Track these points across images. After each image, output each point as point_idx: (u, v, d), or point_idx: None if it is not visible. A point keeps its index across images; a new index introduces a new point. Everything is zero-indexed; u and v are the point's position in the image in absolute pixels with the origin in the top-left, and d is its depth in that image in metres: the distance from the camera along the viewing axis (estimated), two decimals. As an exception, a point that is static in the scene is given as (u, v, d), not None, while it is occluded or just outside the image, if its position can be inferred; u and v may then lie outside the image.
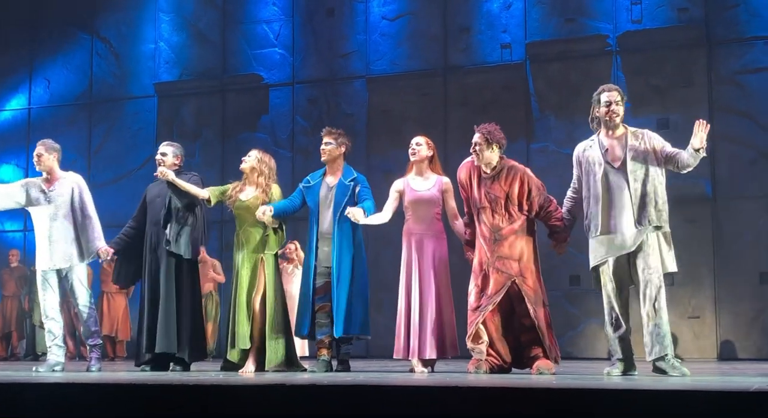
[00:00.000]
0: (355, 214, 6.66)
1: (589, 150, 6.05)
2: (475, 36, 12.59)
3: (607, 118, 5.95)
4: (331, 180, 7.08)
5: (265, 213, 6.88)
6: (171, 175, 7.18)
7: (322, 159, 7.13)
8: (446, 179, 6.96)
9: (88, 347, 7.49)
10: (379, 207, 7.06)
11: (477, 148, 6.34)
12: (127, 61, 14.45)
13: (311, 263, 7.00)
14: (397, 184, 7.00)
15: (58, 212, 7.36)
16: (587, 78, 11.88)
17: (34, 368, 7.49)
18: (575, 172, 6.16)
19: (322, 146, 7.11)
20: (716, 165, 11.18)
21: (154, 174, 7.24)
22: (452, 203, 6.93)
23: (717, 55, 11.45)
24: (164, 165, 7.38)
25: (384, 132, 12.57)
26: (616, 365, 5.89)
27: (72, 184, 7.44)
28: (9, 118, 15.06)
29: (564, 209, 6.32)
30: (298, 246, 10.62)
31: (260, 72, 13.61)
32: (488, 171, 6.37)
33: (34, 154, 7.51)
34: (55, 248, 7.32)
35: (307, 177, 7.24)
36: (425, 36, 12.83)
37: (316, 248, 7.00)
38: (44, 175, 7.50)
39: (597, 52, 11.92)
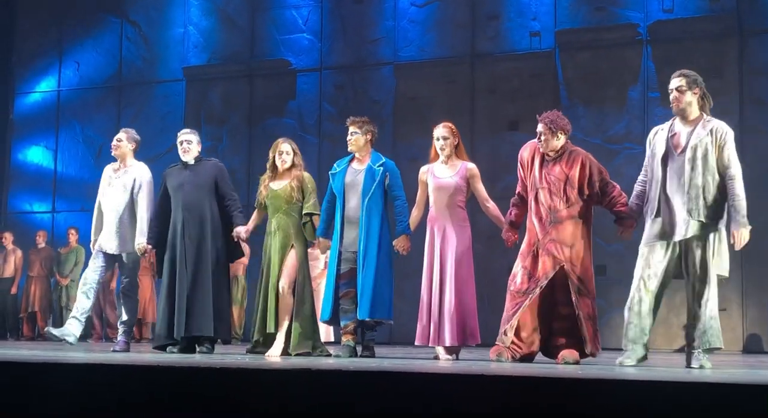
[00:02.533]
0: (403, 248, 6.91)
1: (659, 133, 5.97)
2: (504, 23, 12.54)
3: (672, 106, 5.89)
4: (359, 165, 7.09)
5: (326, 252, 7.10)
6: (247, 228, 7.38)
7: (350, 149, 7.12)
8: (471, 165, 6.93)
9: (119, 330, 7.61)
10: (405, 193, 7.08)
11: (542, 138, 6.26)
12: (156, 44, 14.51)
13: (336, 248, 7.03)
14: (422, 174, 7.00)
15: (118, 199, 7.63)
16: (617, 67, 11.83)
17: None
18: (646, 154, 6.08)
19: (348, 136, 7.11)
20: (745, 156, 11.06)
21: (235, 236, 7.41)
22: (481, 188, 6.90)
23: (748, 45, 11.35)
24: (190, 153, 7.52)
25: (411, 119, 12.55)
26: (628, 354, 5.87)
27: (135, 174, 7.68)
28: (39, 100, 15.17)
29: (633, 194, 6.19)
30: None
31: (288, 57, 13.62)
32: (551, 154, 6.32)
33: (115, 138, 7.86)
34: (110, 233, 7.59)
35: (334, 164, 7.26)
36: (454, 23, 12.79)
37: (341, 232, 7.02)
38: (118, 161, 7.79)
39: (627, 41, 11.84)
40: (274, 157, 7.27)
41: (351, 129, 7.11)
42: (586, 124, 11.81)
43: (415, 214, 7.05)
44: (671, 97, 5.88)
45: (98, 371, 4.68)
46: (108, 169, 7.83)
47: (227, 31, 14.13)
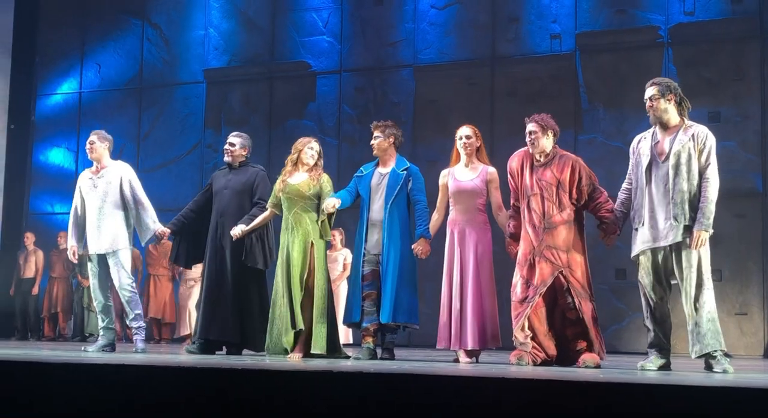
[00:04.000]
0: (422, 252, 6.89)
1: (642, 141, 6.02)
2: (525, 26, 12.50)
3: (649, 115, 5.95)
4: (384, 170, 7.16)
5: (335, 206, 6.98)
6: (244, 229, 7.30)
7: (374, 153, 7.21)
8: (492, 169, 6.93)
9: (132, 330, 7.64)
10: (427, 196, 7.10)
11: (533, 136, 6.32)
12: (177, 47, 14.56)
13: (360, 251, 7.04)
14: (443, 177, 7.01)
15: (105, 199, 7.57)
16: (637, 70, 11.76)
17: (83, 348, 7.66)
18: (631, 163, 6.13)
19: (372, 141, 7.20)
20: (767, 159, 11.03)
21: (233, 234, 7.30)
22: (497, 194, 6.90)
23: (771, 48, 11.28)
24: (232, 155, 7.58)
25: (430, 121, 12.55)
26: (650, 359, 5.86)
27: (120, 172, 7.64)
28: (60, 101, 15.26)
29: (618, 201, 6.25)
30: (343, 233, 10.67)
31: (308, 59, 13.64)
32: (541, 159, 6.36)
33: (87, 141, 7.76)
34: (99, 234, 7.53)
35: (361, 168, 7.34)
36: (474, 25, 12.77)
37: (366, 235, 7.04)
38: (94, 163, 7.70)
39: (648, 44, 11.79)
40: (300, 151, 7.23)
41: (374, 133, 7.20)
42: (607, 127, 11.78)
43: (435, 218, 7.05)
44: (646, 107, 5.95)
45: (118, 371, 4.70)
46: (85, 174, 7.75)
47: (247, 33, 14.16)
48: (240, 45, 14.19)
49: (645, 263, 5.89)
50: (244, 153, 7.65)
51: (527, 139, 6.38)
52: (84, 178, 7.73)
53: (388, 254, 6.92)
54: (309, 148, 7.23)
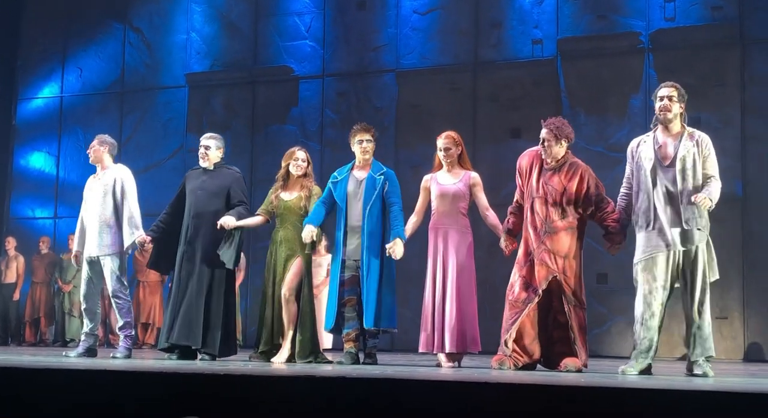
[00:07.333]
0: (396, 252, 6.74)
1: (642, 145, 6.02)
2: (507, 31, 12.56)
3: (660, 114, 5.94)
4: (360, 174, 7.08)
5: (312, 236, 6.95)
6: (233, 223, 7.15)
7: (365, 157, 7.06)
8: (474, 174, 6.96)
9: (119, 336, 7.57)
10: (407, 201, 7.09)
11: (546, 144, 6.28)
12: (159, 51, 14.53)
13: (338, 257, 7.03)
14: (425, 181, 7.02)
15: (101, 201, 7.53)
16: (618, 75, 11.85)
17: (64, 353, 7.61)
18: (628, 167, 6.13)
19: (364, 145, 7.05)
20: (747, 165, 11.10)
21: (218, 225, 7.14)
22: (481, 196, 6.92)
23: (750, 54, 11.36)
24: (208, 158, 7.45)
25: (413, 126, 12.57)
26: (632, 363, 5.87)
27: (115, 175, 7.59)
28: (41, 105, 15.19)
29: (618, 208, 6.23)
30: (327, 239, 10.67)
31: (291, 64, 13.65)
32: (552, 163, 6.34)
33: (90, 145, 7.78)
34: (95, 237, 7.48)
35: (335, 173, 7.22)
36: (456, 31, 12.81)
37: (344, 241, 7.02)
38: (97, 167, 7.72)
39: (629, 50, 11.86)
40: (288, 165, 7.26)
41: (366, 136, 7.06)
42: (588, 132, 11.83)
43: (413, 220, 7.06)
44: (661, 104, 5.96)
45: (99, 377, 4.69)
46: (90, 178, 7.78)
47: (230, 37, 14.15)
48: (222, 49, 14.18)
49: (651, 267, 5.86)
50: (219, 154, 7.50)
51: (540, 144, 6.34)
52: (88, 183, 7.76)
53: (369, 260, 6.89)
54: (295, 160, 7.22)
